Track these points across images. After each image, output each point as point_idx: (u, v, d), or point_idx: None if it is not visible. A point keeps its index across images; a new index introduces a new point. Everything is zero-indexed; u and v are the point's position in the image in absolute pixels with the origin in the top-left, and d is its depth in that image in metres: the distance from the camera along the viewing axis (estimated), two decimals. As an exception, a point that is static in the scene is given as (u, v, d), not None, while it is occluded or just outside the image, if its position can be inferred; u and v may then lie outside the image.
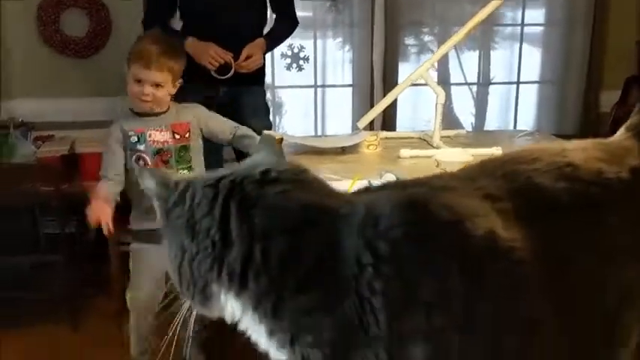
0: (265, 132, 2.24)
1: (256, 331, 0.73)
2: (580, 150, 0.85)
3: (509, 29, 4.07)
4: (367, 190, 0.78)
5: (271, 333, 0.71)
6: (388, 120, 3.71)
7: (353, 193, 0.78)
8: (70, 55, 3.53)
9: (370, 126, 3.39)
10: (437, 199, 0.71)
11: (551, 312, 0.72)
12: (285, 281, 0.68)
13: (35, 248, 2.86)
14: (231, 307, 0.72)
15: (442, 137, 2.44)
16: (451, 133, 2.63)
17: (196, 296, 0.73)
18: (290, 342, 0.70)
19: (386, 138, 2.56)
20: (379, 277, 0.66)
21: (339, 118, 3.94)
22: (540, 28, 4.09)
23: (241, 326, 0.74)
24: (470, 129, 3.96)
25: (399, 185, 0.78)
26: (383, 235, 0.67)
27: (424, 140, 2.50)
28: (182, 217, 0.72)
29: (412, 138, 2.59)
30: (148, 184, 0.76)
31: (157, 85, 2.17)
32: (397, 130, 3.68)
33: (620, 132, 0.95)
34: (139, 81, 2.16)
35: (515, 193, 0.76)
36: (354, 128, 3.06)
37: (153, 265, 2.26)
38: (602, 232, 0.77)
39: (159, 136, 2.25)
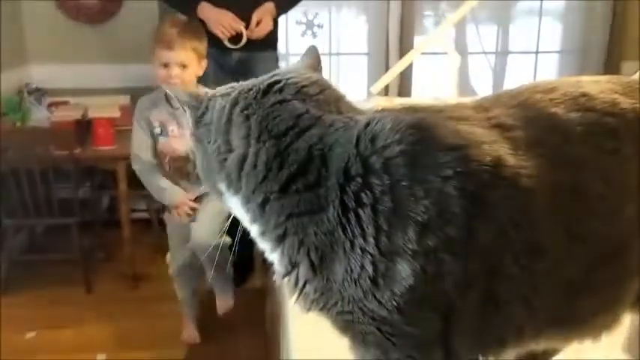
0: None
1: (253, 232, 0.77)
2: (595, 82, 0.84)
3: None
4: (383, 110, 0.78)
5: (263, 234, 0.75)
6: (403, 88, 3.67)
7: (366, 110, 0.78)
8: (83, 21, 3.53)
9: (385, 94, 3.36)
10: (444, 125, 0.70)
11: (561, 239, 0.72)
12: (270, 183, 0.72)
13: (50, 212, 2.88)
14: (234, 206, 0.78)
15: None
16: (467, 99, 2.59)
17: (214, 193, 0.81)
18: (278, 244, 0.74)
19: (400, 104, 2.52)
20: (368, 190, 0.67)
21: (353, 87, 3.89)
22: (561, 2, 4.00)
23: (245, 225, 0.79)
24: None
25: (412, 108, 0.77)
26: (378, 150, 0.67)
27: (438, 107, 2.47)
28: (205, 125, 0.79)
29: (426, 105, 2.55)
30: (182, 96, 0.82)
31: (183, 67, 2.15)
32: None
33: (637, 74, 0.93)
34: (165, 65, 2.15)
35: (529, 122, 0.75)
36: (368, 95, 3.02)
37: (183, 227, 2.34)
38: (617, 161, 0.76)
39: (178, 130, 2.23)
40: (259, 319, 2.51)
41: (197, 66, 2.21)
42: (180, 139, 2.20)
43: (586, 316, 0.79)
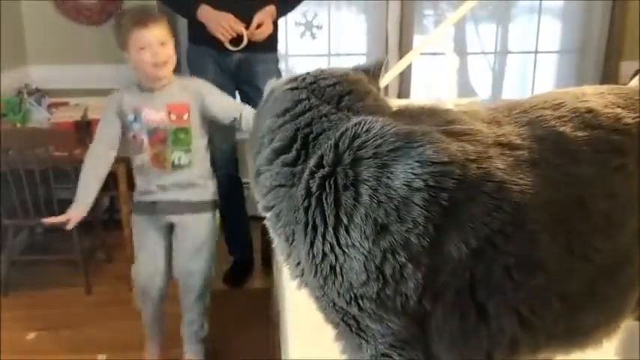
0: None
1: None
2: (599, 95, 0.84)
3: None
4: (397, 112, 0.80)
5: (259, 203, 0.82)
6: (403, 89, 3.68)
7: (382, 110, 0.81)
8: (82, 22, 3.53)
9: (385, 94, 3.37)
10: (436, 139, 0.70)
11: (561, 256, 0.72)
12: (261, 155, 0.79)
13: (49, 212, 2.88)
14: None
15: (456, 105, 2.40)
16: (465, 100, 2.59)
17: None
18: (267, 215, 0.80)
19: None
20: (333, 181, 0.70)
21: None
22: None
23: None
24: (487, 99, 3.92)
25: (426, 112, 0.79)
26: (353, 147, 0.70)
27: (437, 107, 2.47)
28: None
29: (425, 105, 2.55)
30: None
31: (162, 44, 2.09)
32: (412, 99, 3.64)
33: (635, 80, 0.93)
34: (142, 48, 2.08)
35: (536, 142, 0.76)
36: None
37: (151, 242, 2.28)
38: (622, 177, 0.76)
39: (154, 115, 2.16)
40: (264, 318, 2.51)
41: (172, 46, 2.15)
42: (156, 113, 2.15)
43: (588, 329, 0.79)
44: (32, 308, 2.85)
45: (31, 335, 2.64)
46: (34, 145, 2.82)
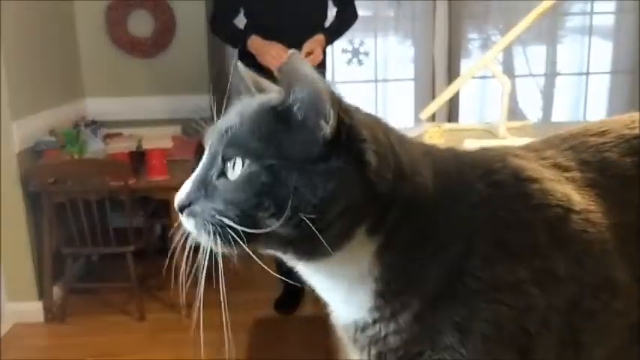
0: None
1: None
2: None
3: (578, 19, 3.93)
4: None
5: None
6: (452, 113, 3.65)
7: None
8: (136, 55, 3.64)
9: (433, 119, 3.35)
10: (510, 160, 0.72)
11: (629, 280, 0.71)
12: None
13: (105, 241, 2.95)
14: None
15: (508, 128, 2.37)
16: (517, 124, 2.55)
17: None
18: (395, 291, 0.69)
19: (449, 130, 2.50)
20: (477, 222, 0.67)
21: (400, 113, 3.90)
22: (611, 18, 3.93)
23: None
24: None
25: (465, 152, 0.79)
26: (476, 181, 0.69)
27: (489, 132, 2.44)
28: None
29: (476, 129, 2.53)
30: None
31: None
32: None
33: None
34: None
35: (584, 164, 0.76)
36: (416, 121, 3.02)
37: None
38: None
39: None
40: (318, 345, 2.49)
41: None
42: None
43: None
44: (88, 335, 2.90)
45: (88, 362, 2.68)
46: (91, 176, 2.90)
